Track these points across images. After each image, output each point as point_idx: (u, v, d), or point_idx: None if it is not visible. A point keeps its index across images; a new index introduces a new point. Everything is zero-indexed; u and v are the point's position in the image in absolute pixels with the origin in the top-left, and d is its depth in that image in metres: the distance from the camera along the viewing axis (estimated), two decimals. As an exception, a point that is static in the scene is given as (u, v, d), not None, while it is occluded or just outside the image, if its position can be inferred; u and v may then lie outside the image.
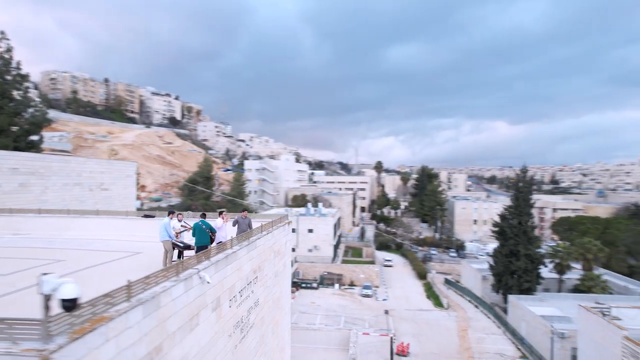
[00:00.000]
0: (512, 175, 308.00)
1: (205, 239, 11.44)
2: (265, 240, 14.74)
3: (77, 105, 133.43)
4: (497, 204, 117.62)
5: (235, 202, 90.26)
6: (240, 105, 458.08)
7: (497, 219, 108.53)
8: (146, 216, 19.12)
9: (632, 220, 77.89)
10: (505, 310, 48.47)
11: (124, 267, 13.06)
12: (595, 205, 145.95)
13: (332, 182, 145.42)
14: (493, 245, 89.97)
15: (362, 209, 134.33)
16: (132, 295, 6.28)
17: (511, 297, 46.78)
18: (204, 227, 11.50)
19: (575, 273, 53.55)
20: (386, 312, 47.11)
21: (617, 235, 68.84)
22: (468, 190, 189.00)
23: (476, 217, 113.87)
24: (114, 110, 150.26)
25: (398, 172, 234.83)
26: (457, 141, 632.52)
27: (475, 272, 61.93)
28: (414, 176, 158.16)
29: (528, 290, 48.72)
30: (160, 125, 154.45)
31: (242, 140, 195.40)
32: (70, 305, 4.46)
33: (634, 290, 51.11)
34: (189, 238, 13.12)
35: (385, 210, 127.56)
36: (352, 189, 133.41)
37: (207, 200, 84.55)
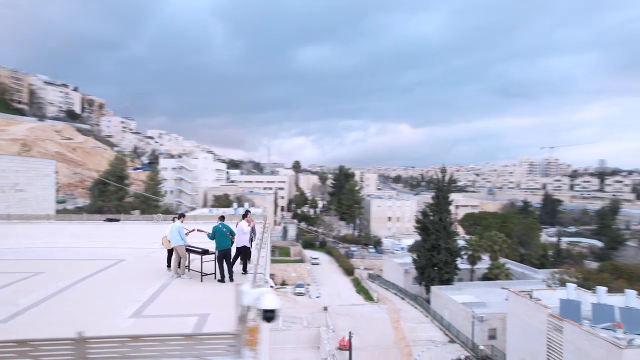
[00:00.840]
0: (415, 175, 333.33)
1: (226, 242, 10.97)
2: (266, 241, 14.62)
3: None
4: (409, 202, 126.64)
5: (151, 203, 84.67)
6: (145, 99, 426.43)
7: (408, 216, 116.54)
8: (109, 220, 17.44)
9: (522, 215, 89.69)
10: (428, 301, 52.62)
11: (120, 276, 12.02)
12: (487, 202, 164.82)
13: (250, 182, 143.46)
14: (407, 240, 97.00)
15: (282, 208, 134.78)
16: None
17: (434, 288, 50.98)
18: (224, 230, 11.04)
19: (484, 263, 60.05)
20: (325, 308, 48.32)
21: (512, 228, 78.68)
22: (379, 189, 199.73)
23: (390, 214, 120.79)
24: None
25: (311, 172, 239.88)
26: (364, 142, 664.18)
27: (397, 266, 65.91)
28: (330, 175, 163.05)
29: (447, 281, 53.42)
30: (56, 118, 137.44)
31: (151, 137, 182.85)
32: (271, 315, 4.32)
33: (529, 275, 59.02)
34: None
35: (305, 209, 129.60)
36: (270, 188, 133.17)
37: (120, 201, 78.06)
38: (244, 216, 12.86)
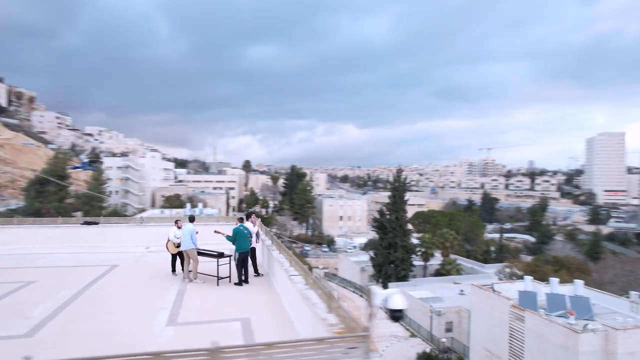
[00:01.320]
0: (362, 175, 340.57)
1: (246, 244, 10.78)
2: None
3: None
4: (360, 202, 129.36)
5: (94, 204, 79.56)
6: (81, 94, 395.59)
7: (359, 215, 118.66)
8: (87, 223, 16.27)
9: (467, 213, 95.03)
10: (385, 297, 54.14)
11: (124, 282, 11.39)
12: (430, 201, 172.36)
13: (199, 182, 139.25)
14: (359, 239, 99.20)
15: (233, 209, 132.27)
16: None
17: (391, 285, 52.47)
18: (245, 232, 10.82)
19: (436, 259, 62.84)
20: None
21: (459, 225, 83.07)
22: (328, 189, 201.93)
23: (342, 213, 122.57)
24: None
25: (258, 171, 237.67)
26: (311, 142, 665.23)
27: (353, 264, 67.08)
28: (278, 175, 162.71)
29: (404, 278, 55.32)
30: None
31: (90, 135, 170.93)
32: (399, 315, 4.40)
33: (478, 270, 62.55)
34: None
35: (256, 209, 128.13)
36: (220, 188, 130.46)
37: (61, 202, 72.60)
38: (248, 217, 12.76)
